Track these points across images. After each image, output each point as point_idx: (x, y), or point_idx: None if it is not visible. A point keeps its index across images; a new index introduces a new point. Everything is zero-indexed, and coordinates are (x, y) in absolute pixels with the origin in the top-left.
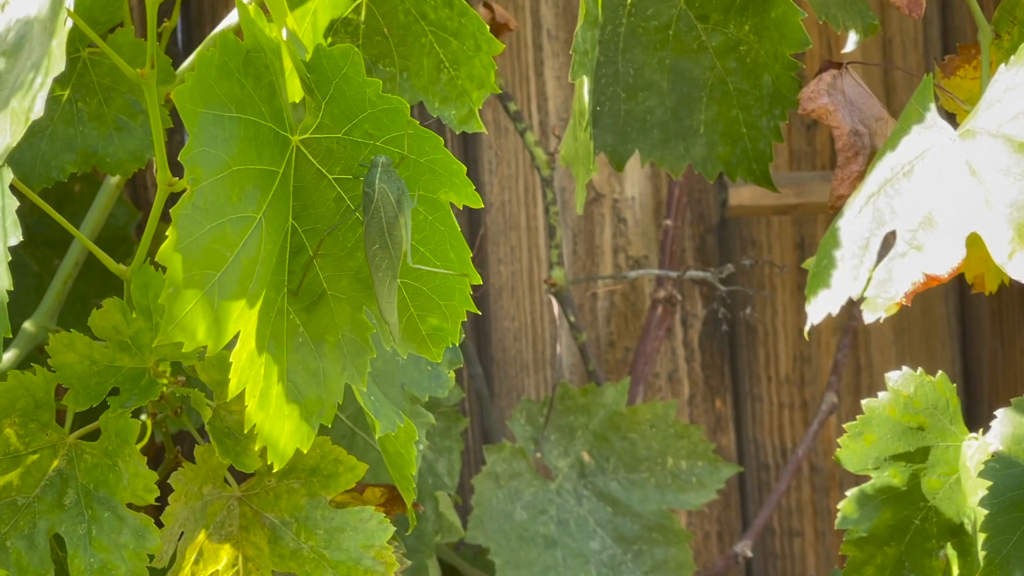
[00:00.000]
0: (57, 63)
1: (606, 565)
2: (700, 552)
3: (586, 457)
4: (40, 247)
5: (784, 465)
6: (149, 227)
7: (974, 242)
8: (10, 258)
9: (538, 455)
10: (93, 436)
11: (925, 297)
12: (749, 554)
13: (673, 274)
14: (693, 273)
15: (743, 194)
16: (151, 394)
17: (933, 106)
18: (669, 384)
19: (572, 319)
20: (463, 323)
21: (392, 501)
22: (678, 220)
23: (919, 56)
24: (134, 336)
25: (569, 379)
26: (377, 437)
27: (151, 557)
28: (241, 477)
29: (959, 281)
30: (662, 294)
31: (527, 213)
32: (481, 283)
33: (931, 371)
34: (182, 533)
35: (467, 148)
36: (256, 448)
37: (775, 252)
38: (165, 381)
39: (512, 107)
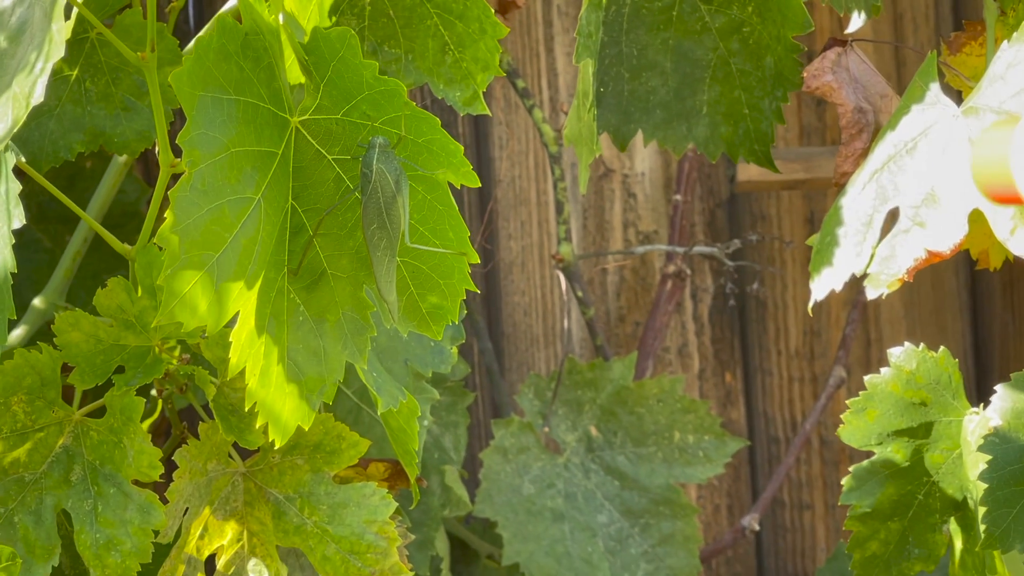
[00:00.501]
0: (57, 49)
1: (613, 538)
2: (711, 525)
3: (594, 431)
4: (52, 223)
5: (794, 438)
6: (152, 207)
7: (978, 218)
8: (14, 241)
9: (546, 429)
10: (99, 413)
11: (936, 270)
12: (756, 527)
13: (680, 250)
14: (700, 249)
15: (751, 170)
16: (155, 372)
17: (936, 83)
18: (679, 358)
19: (580, 294)
20: (474, 297)
21: (396, 476)
22: (688, 195)
23: (930, 31)
24: (139, 315)
25: (579, 354)
26: (380, 413)
27: (156, 533)
28: (245, 453)
29: (969, 255)
30: (672, 268)
31: (537, 188)
32: (479, 262)
33: (941, 344)
34: (187, 509)
35: (477, 124)
36: (258, 426)
37: (785, 226)
38: (172, 358)
39: (520, 84)
